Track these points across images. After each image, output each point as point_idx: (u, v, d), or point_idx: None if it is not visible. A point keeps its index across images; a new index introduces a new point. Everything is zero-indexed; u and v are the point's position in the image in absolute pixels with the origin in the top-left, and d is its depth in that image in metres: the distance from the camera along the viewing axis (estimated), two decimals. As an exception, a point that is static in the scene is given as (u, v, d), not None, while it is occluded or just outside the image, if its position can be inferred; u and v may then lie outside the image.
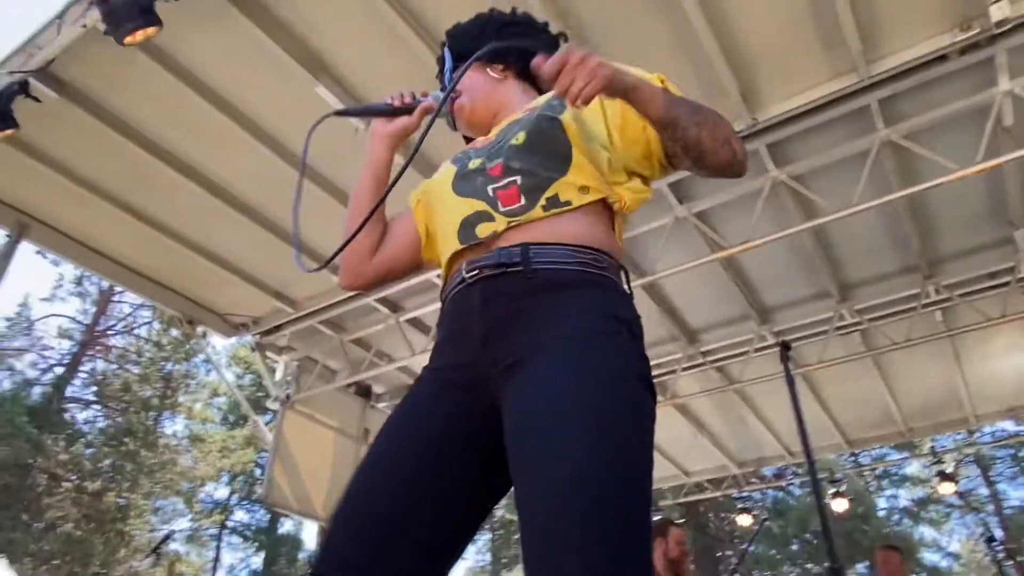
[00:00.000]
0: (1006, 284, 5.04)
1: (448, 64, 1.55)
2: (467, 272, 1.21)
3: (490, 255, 1.20)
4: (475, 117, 1.50)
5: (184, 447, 18.70)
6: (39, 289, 29.07)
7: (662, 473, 8.30)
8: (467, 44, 1.51)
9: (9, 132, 3.34)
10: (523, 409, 1.05)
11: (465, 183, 1.30)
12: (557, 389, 1.02)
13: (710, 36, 3.41)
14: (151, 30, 2.88)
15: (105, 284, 17.58)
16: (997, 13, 3.22)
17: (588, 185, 1.23)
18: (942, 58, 3.51)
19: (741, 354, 5.95)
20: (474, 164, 1.32)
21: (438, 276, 5.12)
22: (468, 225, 1.24)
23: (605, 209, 1.27)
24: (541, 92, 1.50)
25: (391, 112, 1.46)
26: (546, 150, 1.25)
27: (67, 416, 17.09)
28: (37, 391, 16.79)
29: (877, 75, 3.56)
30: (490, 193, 1.24)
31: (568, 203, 1.21)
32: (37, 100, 3.45)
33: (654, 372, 6.03)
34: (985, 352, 6.12)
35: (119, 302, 18.76)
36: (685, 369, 6.17)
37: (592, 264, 1.18)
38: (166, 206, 4.55)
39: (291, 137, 4.11)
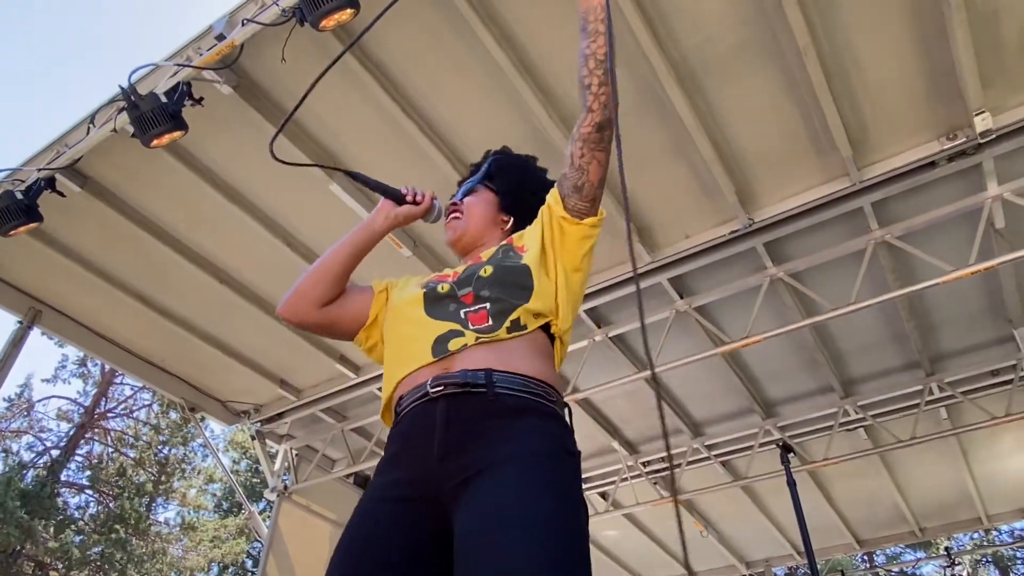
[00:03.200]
0: (1009, 382, 5.03)
1: (476, 178, 1.76)
2: (431, 387, 1.27)
3: (454, 374, 1.28)
4: (460, 240, 1.67)
5: (176, 535, 18.17)
6: (41, 369, 29.03)
7: (668, 572, 8.02)
8: (504, 178, 1.74)
9: (33, 225, 3.45)
10: (472, 518, 1.09)
11: (437, 308, 1.42)
12: (506, 500, 1.08)
13: (705, 141, 3.57)
14: (177, 133, 3.04)
15: (108, 366, 17.55)
16: (981, 124, 3.38)
17: (541, 312, 1.41)
18: (931, 164, 3.65)
19: (746, 449, 5.88)
20: (443, 289, 1.45)
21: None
22: (441, 341, 1.35)
23: (547, 337, 1.44)
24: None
25: (401, 199, 1.62)
26: (513, 280, 1.43)
27: (59, 501, 16.70)
28: (31, 475, 16.48)
29: (868, 180, 3.70)
30: (462, 316, 1.38)
31: (525, 327, 1.37)
32: (62, 195, 3.59)
33: (658, 465, 5.95)
34: (993, 451, 6.04)
35: (120, 384, 18.67)
36: (690, 463, 6.08)
37: (545, 397, 1.29)
38: (176, 295, 4.64)
39: (303, 230, 4.24)
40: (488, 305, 1.38)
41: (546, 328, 1.43)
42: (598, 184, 1.51)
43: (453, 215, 1.69)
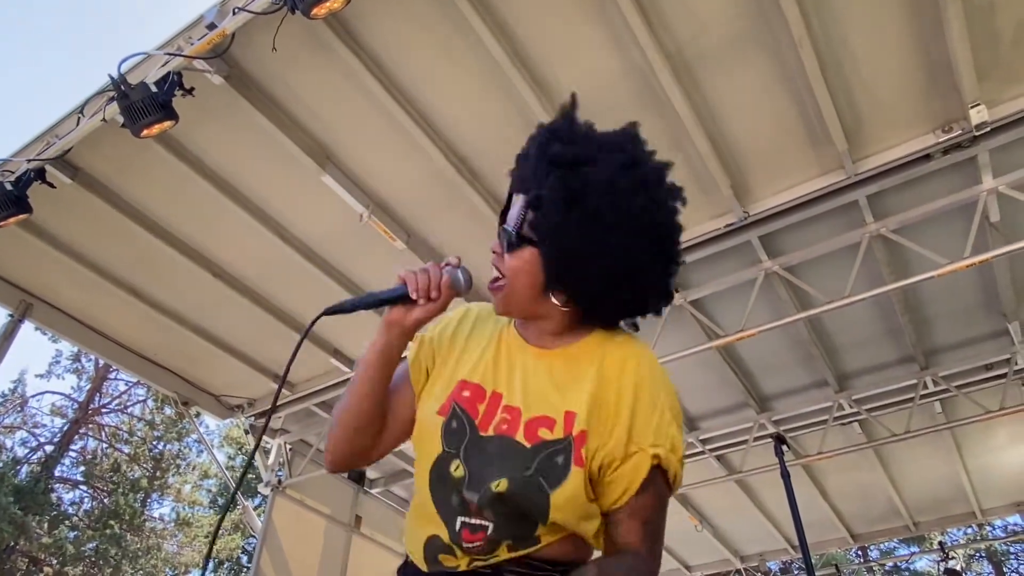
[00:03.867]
0: (1003, 376, 5.04)
1: (514, 219, 1.17)
2: None
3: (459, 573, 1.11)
4: (510, 311, 1.23)
5: (170, 531, 18.14)
6: (35, 365, 28.95)
7: (663, 567, 8.03)
8: (551, 232, 1.12)
9: (23, 217, 3.42)
10: None
11: (442, 490, 1.13)
12: None
13: (700, 134, 3.55)
14: (167, 123, 3.01)
15: (102, 361, 17.50)
16: (976, 117, 3.37)
17: (558, 537, 1.12)
18: (926, 157, 3.64)
19: (740, 443, 5.89)
20: (456, 471, 1.12)
21: None
22: (432, 547, 1.13)
23: (577, 538, 1.14)
24: (596, 325, 1.22)
25: (411, 301, 1.18)
26: (524, 513, 1.08)
27: (53, 496, 16.66)
28: (25, 470, 16.44)
29: (863, 172, 3.69)
30: (457, 527, 1.10)
31: (537, 540, 1.10)
32: (52, 186, 3.56)
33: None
34: (987, 445, 6.06)
35: (115, 379, 18.62)
36: (685, 458, 6.05)
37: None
38: (169, 288, 4.62)
39: (295, 222, 4.21)
40: (489, 529, 1.08)
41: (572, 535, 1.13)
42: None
43: (496, 283, 1.20)
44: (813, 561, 3.68)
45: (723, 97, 3.49)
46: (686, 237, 4.11)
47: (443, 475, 1.13)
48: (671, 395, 1.16)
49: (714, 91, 3.46)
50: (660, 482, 1.11)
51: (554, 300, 1.16)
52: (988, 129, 3.43)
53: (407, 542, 1.20)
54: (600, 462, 1.09)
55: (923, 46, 3.24)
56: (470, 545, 1.09)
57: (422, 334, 1.30)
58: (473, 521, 1.09)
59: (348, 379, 5.34)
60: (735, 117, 3.58)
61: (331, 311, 1.19)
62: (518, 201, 1.18)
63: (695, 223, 4.09)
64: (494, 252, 1.20)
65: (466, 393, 1.18)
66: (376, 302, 1.20)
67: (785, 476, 3.41)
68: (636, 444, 1.09)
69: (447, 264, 1.21)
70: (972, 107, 3.35)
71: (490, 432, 1.13)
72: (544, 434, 1.10)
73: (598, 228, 1.08)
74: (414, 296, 1.17)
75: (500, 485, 1.07)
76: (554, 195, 1.10)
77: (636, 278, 1.14)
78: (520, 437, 1.11)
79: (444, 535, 1.10)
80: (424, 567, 1.14)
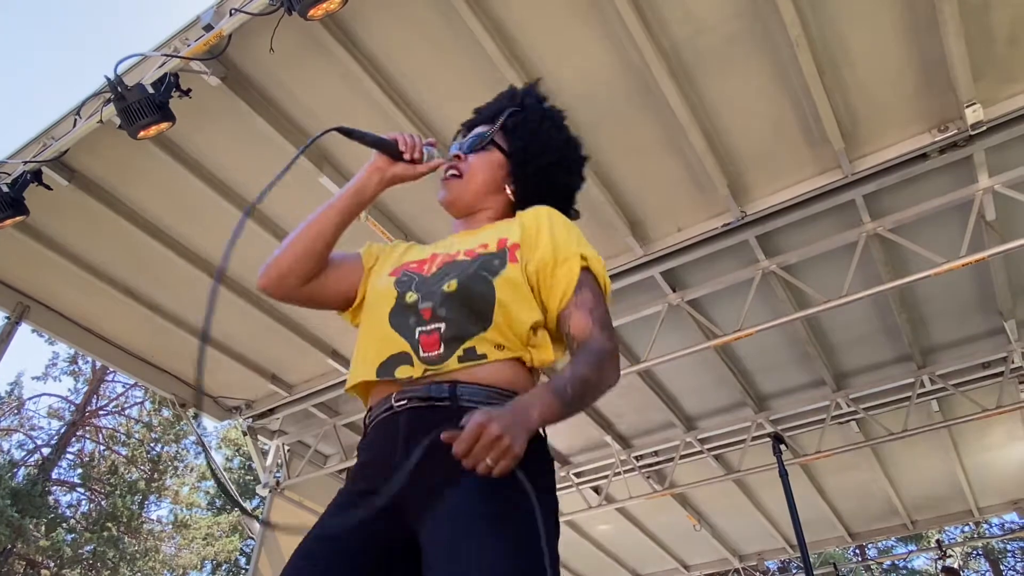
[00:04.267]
0: (1000, 374, 5.06)
1: (488, 131, 1.53)
2: (396, 401, 1.23)
3: (419, 388, 1.22)
4: (454, 206, 1.52)
5: (168, 533, 18.11)
6: (32, 367, 28.88)
7: (661, 567, 8.05)
8: (522, 142, 1.50)
9: (19, 219, 3.42)
10: (431, 545, 1.07)
11: (399, 317, 1.29)
12: (455, 544, 1.04)
13: (697, 133, 3.56)
14: (164, 125, 3.01)
15: (99, 363, 17.47)
16: (972, 116, 3.38)
17: (504, 344, 1.25)
18: (922, 156, 3.65)
19: (738, 442, 5.90)
20: (410, 298, 1.30)
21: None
22: (389, 364, 1.25)
23: (523, 366, 1.29)
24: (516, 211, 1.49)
25: (398, 156, 1.42)
26: (472, 306, 1.25)
27: (51, 499, 16.62)
28: (22, 472, 16.40)
29: (860, 172, 3.70)
30: (416, 336, 1.25)
31: (484, 356, 1.23)
32: (49, 188, 3.56)
33: (651, 460, 5.94)
34: (984, 443, 6.07)
35: (112, 381, 18.59)
36: (683, 457, 6.09)
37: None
38: (166, 290, 4.61)
39: (293, 224, 4.17)
40: (442, 328, 1.24)
41: (519, 359, 1.28)
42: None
43: (451, 171, 1.50)
44: (811, 560, 3.69)
45: (719, 96, 3.50)
46: (683, 237, 4.12)
47: (400, 306, 1.31)
48: (576, 227, 1.44)
49: (710, 90, 3.47)
50: (593, 282, 1.34)
51: (508, 191, 1.50)
52: (984, 128, 3.44)
53: (356, 373, 1.32)
54: (536, 267, 1.31)
55: (919, 45, 3.25)
56: (427, 352, 1.23)
57: (370, 243, 1.55)
58: (428, 327, 1.25)
59: (346, 380, 5.35)
60: (731, 117, 3.59)
61: (344, 131, 1.40)
62: (487, 125, 1.55)
63: (692, 223, 4.10)
64: (455, 157, 1.51)
65: (413, 264, 1.41)
66: (374, 141, 1.42)
67: (783, 475, 3.42)
68: (563, 253, 1.32)
69: (427, 142, 1.47)
70: (968, 106, 3.35)
71: (434, 271, 1.35)
72: (481, 251, 1.35)
73: (552, 143, 1.52)
74: (402, 149, 1.41)
75: (451, 285, 1.28)
76: (531, 116, 1.54)
77: (558, 177, 1.53)
78: (462, 257, 1.36)
79: (403, 346, 1.25)
80: (374, 377, 1.26)
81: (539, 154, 1.49)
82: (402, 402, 1.22)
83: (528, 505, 1.06)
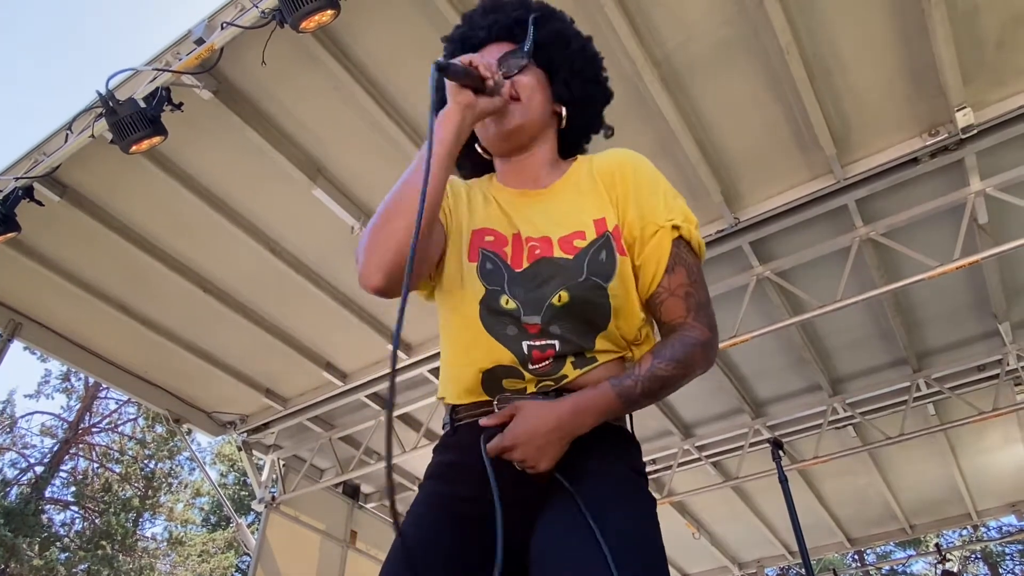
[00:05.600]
0: (995, 377, 5.07)
1: (524, 48, 1.28)
2: (499, 407, 1.14)
3: (521, 393, 1.14)
4: (522, 129, 1.26)
5: (163, 550, 17.93)
6: (25, 385, 28.67)
7: None
8: (561, 53, 1.31)
9: (11, 235, 3.40)
10: (547, 543, 1.04)
11: (497, 323, 1.14)
12: (584, 541, 0.99)
13: (689, 140, 3.57)
14: (156, 139, 3.00)
15: (91, 380, 17.35)
16: (962, 120, 3.40)
17: (613, 348, 1.16)
18: (914, 160, 3.67)
19: (736, 449, 5.88)
20: (507, 303, 1.14)
21: (430, 371, 5.05)
22: (494, 378, 1.14)
23: (622, 362, 1.19)
24: (566, 155, 1.34)
25: (482, 88, 1.15)
26: (586, 318, 1.13)
27: (44, 518, 16.45)
28: (15, 491, 16.24)
29: (852, 177, 3.71)
30: (524, 350, 1.12)
31: (594, 359, 1.14)
32: (40, 204, 3.54)
33: (649, 468, 5.90)
34: (981, 446, 6.08)
35: (105, 398, 18.45)
36: (681, 465, 6.07)
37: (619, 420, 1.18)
38: (159, 304, 4.58)
39: (287, 236, 4.20)
40: (557, 345, 1.12)
41: (621, 358, 1.18)
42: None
43: (512, 97, 1.24)
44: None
45: (711, 104, 3.51)
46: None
47: (493, 309, 1.14)
48: (663, 177, 1.25)
49: (702, 98, 3.48)
50: (687, 253, 1.17)
51: (557, 109, 1.31)
52: (974, 132, 3.47)
53: (451, 384, 1.19)
54: (630, 248, 1.16)
55: (908, 50, 3.27)
56: (539, 365, 1.11)
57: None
58: (539, 342, 1.12)
59: (341, 394, 5.34)
60: (724, 124, 3.60)
61: (440, 65, 1.10)
62: (503, 42, 1.32)
63: (686, 230, 4.10)
64: (502, 75, 1.21)
65: (489, 238, 1.20)
66: (463, 72, 1.12)
67: (783, 480, 3.41)
68: (652, 222, 1.16)
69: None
70: (958, 110, 3.38)
71: (525, 265, 1.16)
72: (579, 243, 1.16)
73: (588, 55, 1.34)
74: (485, 75, 1.14)
75: (561, 298, 1.12)
76: (565, 27, 1.34)
77: (604, 94, 1.38)
78: (560, 254, 1.15)
79: (510, 359, 1.12)
80: (479, 396, 1.14)
81: (582, 67, 1.31)
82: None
83: (645, 493, 1.09)
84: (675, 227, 1.16)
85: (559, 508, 1.05)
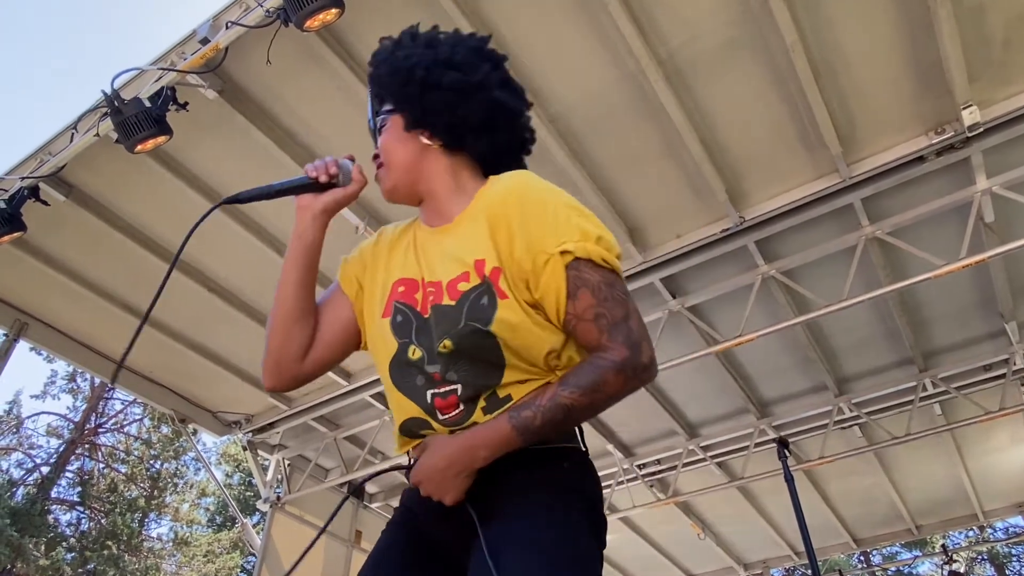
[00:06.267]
0: (1002, 377, 5.04)
1: (370, 114, 1.36)
2: (414, 452, 1.21)
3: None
4: (396, 193, 1.30)
5: (169, 551, 17.98)
6: (31, 386, 28.79)
7: (665, 576, 7.99)
8: (386, 92, 1.30)
9: (17, 235, 3.41)
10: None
11: (406, 376, 1.17)
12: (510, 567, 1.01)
13: (694, 140, 3.56)
14: (161, 139, 3.00)
15: (98, 380, 17.41)
16: (968, 118, 3.38)
17: (527, 377, 1.13)
18: (920, 159, 3.65)
19: (741, 449, 5.87)
20: (413, 354, 1.16)
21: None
22: (410, 429, 1.19)
23: (547, 387, 1.14)
24: (484, 173, 1.29)
25: (317, 187, 1.26)
26: (480, 358, 1.12)
27: (50, 518, 16.51)
28: (21, 492, 16.30)
29: (858, 176, 3.70)
30: (428, 400, 1.14)
31: (508, 398, 1.12)
32: (46, 204, 3.55)
33: (654, 468, 5.89)
34: (987, 446, 6.05)
35: (110, 399, 18.50)
36: (686, 465, 6.06)
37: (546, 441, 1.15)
38: (165, 305, 4.58)
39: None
40: (459, 390, 1.12)
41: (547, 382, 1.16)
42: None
43: (378, 167, 1.31)
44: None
45: (716, 103, 3.50)
46: (683, 243, 4.12)
47: (403, 362, 1.17)
48: (560, 194, 1.19)
49: (707, 97, 3.48)
50: (589, 272, 1.10)
51: (424, 140, 1.26)
52: (981, 130, 3.45)
53: (397, 446, 1.25)
54: (524, 284, 1.12)
55: (914, 48, 3.26)
56: (446, 415, 1.13)
57: (344, 256, 1.38)
58: (442, 389, 1.13)
59: (346, 393, 5.34)
60: (729, 122, 3.59)
61: (229, 200, 1.24)
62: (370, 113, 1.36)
63: (691, 229, 4.09)
64: (374, 156, 1.31)
65: (401, 289, 1.23)
66: (274, 192, 1.23)
67: (789, 479, 3.40)
68: (541, 251, 1.10)
69: (346, 157, 1.32)
70: (964, 108, 3.36)
71: (428, 312, 1.17)
72: (463, 287, 1.14)
73: (433, 72, 1.24)
74: (313, 174, 1.25)
75: (446, 345, 1.12)
76: (379, 72, 1.32)
77: (447, 74, 1.24)
78: (447, 300, 1.15)
79: (418, 411, 1.15)
80: (406, 451, 1.20)
81: (406, 84, 1.26)
82: None
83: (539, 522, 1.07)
84: (564, 252, 1.09)
85: (475, 544, 1.07)
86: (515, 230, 1.13)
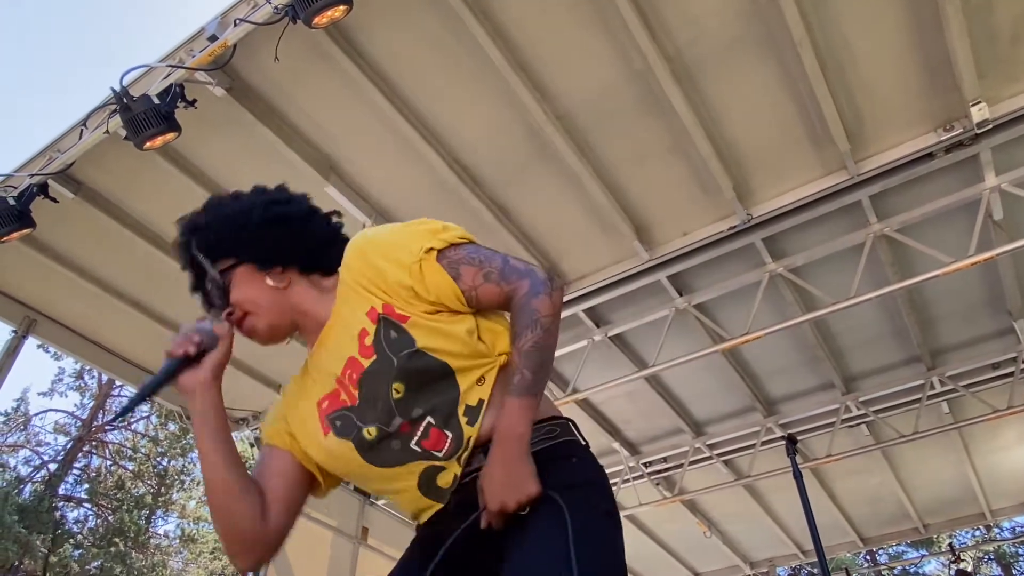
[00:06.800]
0: (1010, 375, 5.02)
1: (207, 278, 1.33)
2: (456, 500, 1.20)
3: (459, 476, 1.19)
4: (278, 335, 1.34)
5: (175, 548, 18.05)
6: (38, 383, 28.93)
7: (671, 574, 7.98)
8: (220, 249, 1.33)
9: (26, 231, 3.42)
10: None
11: (380, 456, 1.20)
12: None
13: (701, 137, 3.55)
14: (170, 135, 3.01)
15: (105, 378, 17.48)
16: (977, 115, 3.37)
17: (481, 375, 1.20)
18: (928, 156, 3.64)
19: (748, 447, 5.86)
20: (371, 433, 1.19)
21: None
22: (428, 485, 1.20)
23: (503, 369, 1.22)
24: (326, 274, 1.34)
25: (186, 363, 1.23)
26: (429, 382, 1.17)
27: (57, 515, 16.59)
28: (29, 489, 16.39)
29: (866, 173, 3.69)
30: (418, 450, 1.18)
31: (482, 401, 1.18)
32: (55, 201, 3.56)
33: (660, 467, 5.88)
34: (995, 444, 6.02)
35: (118, 396, 18.57)
36: (692, 463, 6.05)
37: (543, 439, 1.19)
38: (173, 301, 4.60)
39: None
40: (431, 421, 1.17)
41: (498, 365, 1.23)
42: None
43: (240, 320, 1.32)
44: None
45: (724, 99, 3.49)
46: (689, 241, 4.11)
47: (367, 447, 1.20)
48: (391, 228, 1.31)
49: (715, 94, 3.47)
50: (456, 252, 1.23)
51: (275, 282, 1.30)
52: (990, 127, 3.44)
53: (411, 518, 1.28)
54: (415, 298, 1.20)
55: (923, 45, 3.24)
56: (442, 449, 1.17)
57: (263, 420, 1.37)
58: (417, 431, 1.18)
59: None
60: (736, 119, 3.58)
61: (121, 415, 1.18)
62: (207, 274, 1.34)
63: (698, 226, 4.09)
64: (227, 314, 1.32)
65: (325, 404, 1.25)
66: (151, 389, 1.21)
67: (797, 476, 3.39)
68: (409, 266, 1.20)
69: (198, 320, 1.30)
70: (973, 105, 3.35)
71: (357, 389, 1.21)
72: (369, 341, 1.20)
73: (224, 224, 1.34)
74: (181, 352, 1.21)
75: (396, 390, 1.17)
76: (199, 238, 1.37)
77: (265, 219, 1.31)
78: (367, 363, 1.20)
79: (420, 465, 1.18)
80: (433, 503, 1.20)
81: (239, 230, 1.32)
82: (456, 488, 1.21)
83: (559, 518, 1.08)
84: (429, 250, 1.20)
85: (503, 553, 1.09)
86: (380, 264, 1.22)
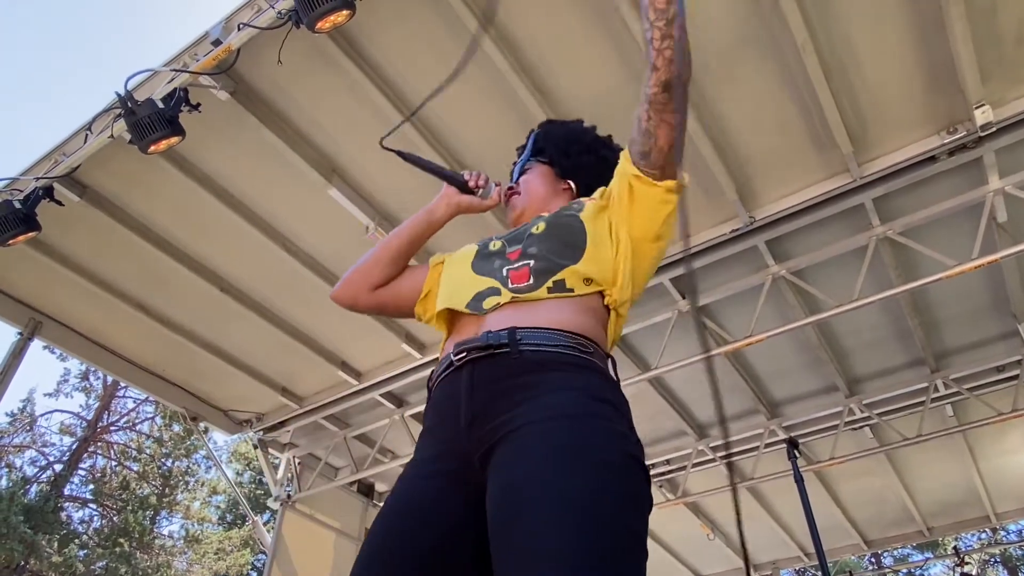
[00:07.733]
0: (1015, 377, 5.00)
1: (524, 157, 1.72)
2: (455, 355, 1.22)
3: (477, 338, 1.22)
4: (523, 216, 1.60)
5: (180, 548, 18.10)
6: (44, 384, 29.04)
7: (674, 576, 7.97)
8: (552, 145, 1.69)
9: (32, 235, 3.45)
10: (495, 493, 1.03)
11: (484, 263, 1.39)
12: (535, 480, 0.98)
13: (705, 140, 3.56)
14: (174, 139, 3.03)
15: (110, 379, 17.54)
16: (981, 117, 3.36)
17: (592, 278, 1.29)
18: (932, 159, 3.63)
19: (751, 450, 5.85)
20: (495, 246, 1.42)
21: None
22: (478, 298, 1.30)
23: (602, 305, 1.31)
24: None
25: (465, 187, 1.57)
26: (563, 240, 1.34)
27: (63, 515, 16.65)
28: (34, 489, 16.45)
29: (869, 175, 3.68)
30: (504, 273, 1.32)
31: (571, 290, 1.27)
32: (60, 204, 3.58)
33: (663, 469, 5.86)
34: (1000, 447, 6.01)
35: (123, 397, 18.64)
36: (695, 465, 6.05)
37: (577, 348, 1.20)
38: (177, 303, 4.63)
39: (302, 236, 4.23)
40: (532, 263, 1.31)
41: (601, 295, 1.31)
42: (668, 150, 1.28)
43: (512, 194, 1.65)
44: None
45: (727, 102, 3.49)
46: (692, 243, 4.11)
47: (483, 255, 1.42)
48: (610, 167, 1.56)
49: (718, 97, 3.47)
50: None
51: (570, 187, 1.65)
52: (993, 129, 3.43)
53: (440, 303, 1.40)
54: (612, 200, 1.43)
55: (926, 47, 3.24)
56: (516, 284, 1.29)
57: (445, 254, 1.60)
58: (517, 264, 1.33)
59: (356, 393, 5.36)
60: (739, 122, 3.58)
61: (406, 156, 1.62)
62: (522, 157, 1.75)
63: (701, 229, 4.08)
64: (510, 187, 1.67)
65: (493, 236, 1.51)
66: (432, 169, 1.61)
67: (799, 480, 3.39)
68: (627, 184, 1.38)
69: (494, 181, 1.62)
70: (976, 107, 3.34)
71: (515, 228, 1.52)
72: (557, 209, 1.52)
73: (573, 133, 1.75)
74: (471, 183, 1.56)
75: (539, 227, 1.40)
76: (548, 128, 1.80)
77: (598, 152, 1.70)
78: (542, 215, 1.52)
79: (490, 283, 1.32)
80: (465, 310, 1.32)
81: (572, 142, 1.68)
82: (461, 355, 1.22)
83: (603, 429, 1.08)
84: (634, 176, 1.37)
85: (507, 435, 1.09)
86: (612, 196, 1.45)
